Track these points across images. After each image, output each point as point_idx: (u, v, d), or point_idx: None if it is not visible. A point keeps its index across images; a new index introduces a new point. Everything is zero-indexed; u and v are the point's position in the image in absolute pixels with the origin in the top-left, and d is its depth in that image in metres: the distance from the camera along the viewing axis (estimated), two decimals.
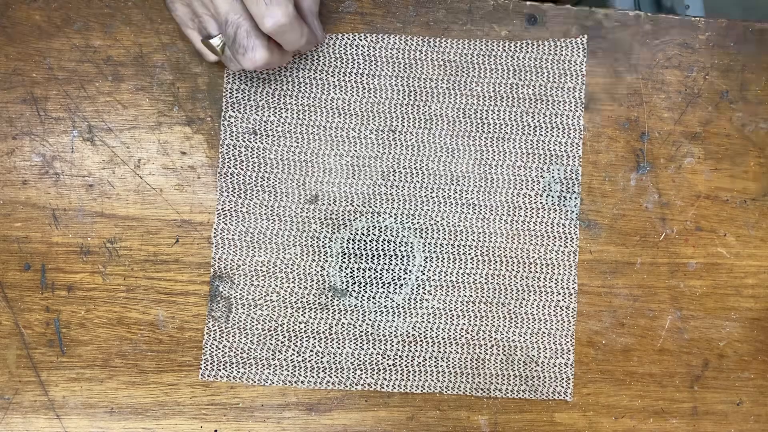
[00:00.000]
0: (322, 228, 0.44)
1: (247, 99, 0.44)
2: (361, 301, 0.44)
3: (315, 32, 0.41)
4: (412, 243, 0.44)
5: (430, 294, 0.44)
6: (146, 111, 0.44)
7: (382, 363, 0.44)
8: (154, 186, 0.44)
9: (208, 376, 0.43)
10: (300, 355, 0.44)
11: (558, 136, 0.45)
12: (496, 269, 0.44)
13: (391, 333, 0.44)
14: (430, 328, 0.44)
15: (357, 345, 0.44)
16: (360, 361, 0.44)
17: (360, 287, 0.44)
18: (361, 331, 0.44)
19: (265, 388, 0.44)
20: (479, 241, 0.44)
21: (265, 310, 0.44)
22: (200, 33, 0.40)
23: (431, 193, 0.44)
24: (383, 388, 0.44)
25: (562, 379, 0.44)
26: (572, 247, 0.45)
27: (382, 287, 0.44)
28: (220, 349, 0.43)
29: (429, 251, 0.44)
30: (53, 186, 0.43)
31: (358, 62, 0.44)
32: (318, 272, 0.44)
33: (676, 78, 0.45)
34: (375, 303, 0.44)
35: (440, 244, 0.44)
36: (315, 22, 0.41)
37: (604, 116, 0.45)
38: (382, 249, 0.44)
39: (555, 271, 0.44)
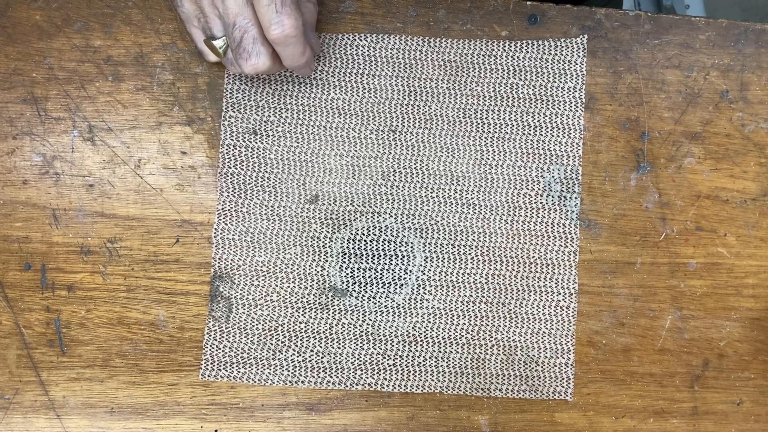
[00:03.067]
0: (322, 228, 0.44)
1: (248, 99, 0.44)
2: (361, 301, 0.44)
3: (311, 45, 0.41)
4: (412, 243, 0.44)
5: (431, 294, 0.44)
6: (146, 111, 0.44)
7: (382, 363, 0.44)
8: (154, 186, 0.44)
9: (209, 376, 0.43)
10: (300, 355, 0.44)
11: (558, 136, 0.45)
12: (497, 269, 0.44)
13: (392, 333, 0.44)
14: (431, 328, 0.44)
15: (357, 345, 0.44)
16: (360, 361, 0.44)
17: (360, 287, 0.44)
18: (362, 331, 0.44)
19: (266, 388, 0.44)
20: (479, 241, 0.44)
21: (265, 310, 0.44)
22: (204, 32, 0.40)
23: (431, 193, 0.44)
24: (383, 388, 0.44)
25: (563, 378, 0.44)
26: (572, 246, 0.45)
27: (382, 287, 0.44)
28: (220, 349, 0.43)
29: (429, 251, 0.44)
30: (53, 186, 0.43)
31: (358, 62, 0.44)
32: (318, 272, 0.44)
33: (676, 78, 0.45)
34: (375, 303, 0.44)
35: (440, 244, 0.44)
36: (310, 33, 0.41)
37: (604, 116, 0.45)
38: (382, 249, 0.44)
39: (555, 270, 0.44)
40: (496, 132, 0.45)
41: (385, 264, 0.44)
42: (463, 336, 0.44)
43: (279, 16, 0.35)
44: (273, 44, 0.37)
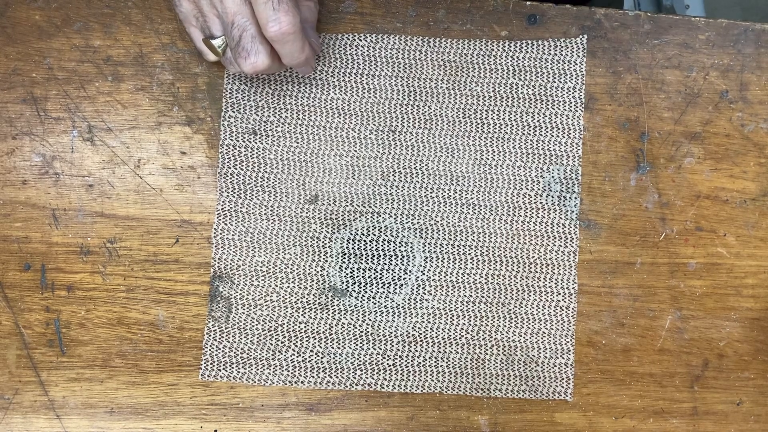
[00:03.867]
0: (322, 228, 0.44)
1: (247, 99, 0.44)
2: (361, 301, 0.44)
3: (312, 44, 0.41)
4: (412, 243, 0.44)
5: (430, 294, 0.44)
6: (146, 111, 0.44)
7: (382, 363, 0.44)
8: (154, 186, 0.44)
9: (208, 376, 0.43)
10: (300, 355, 0.44)
11: (558, 136, 0.45)
12: (496, 269, 0.44)
13: (391, 333, 0.44)
14: (430, 328, 0.44)
15: (357, 345, 0.44)
16: (360, 361, 0.44)
17: (360, 287, 0.44)
18: (361, 331, 0.44)
19: (265, 388, 0.44)
20: (479, 241, 0.44)
21: (265, 310, 0.44)
22: (203, 32, 0.40)
23: (431, 193, 0.44)
24: (383, 388, 0.44)
25: (562, 379, 0.44)
26: (572, 247, 0.45)
27: (382, 287, 0.44)
28: (220, 349, 0.43)
29: (429, 251, 0.44)
30: (53, 186, 0.43)
31: (358, 62, 0.44)
32: (318, 272, 0.44)
33: (676, 78, 0.45)
34: (375, 303, 0.44)
35: (440, 244, 0.44)
36: (310, 32, 0.40)
37: (604, 116, 0.45)
38: (382, 249, 0.44)
39: (555, 271, 0.44)
40: (495, 132, 0.45)
41: (385, 264, 0.44)
42: (462, 336, 0.44)
43: (276, 14, 0.35)
44: (271, 42, 0.36)
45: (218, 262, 0.44)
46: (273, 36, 0.36)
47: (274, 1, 0.35)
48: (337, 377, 0.44)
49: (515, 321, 0.44)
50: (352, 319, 0.44)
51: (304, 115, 0.44)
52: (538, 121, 0.45)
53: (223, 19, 0.37)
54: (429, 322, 0.44)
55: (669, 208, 0.45)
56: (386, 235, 0.44)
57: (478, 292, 0.44)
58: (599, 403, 0.45)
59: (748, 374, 0.45)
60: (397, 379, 0.44)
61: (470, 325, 0.44)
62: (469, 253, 0.44)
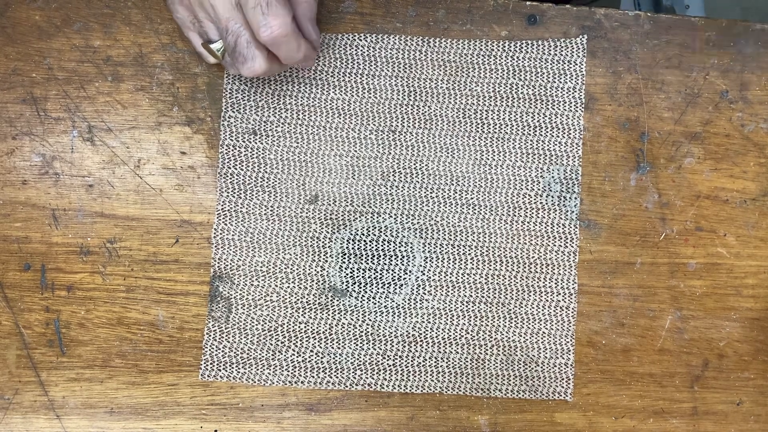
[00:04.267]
0: (322, 228, 0.44)
1: (247, 99, 0.44)
2: (361, 302, 0.44)
3: (311, 39, 0.40)
4: (411, 243, 0.44)
5: (430, 294, 0.44)
6: (146, 111, 0.44)
7: (382, 363, 0.44)
8: (153, 186, 0.44)
9: (208, 376, 0.43)
10: (300, 355, 0.44)
11: (558, 136, 0.45)
12: (496, 269, 0.44)
13: (391, 333, 0.44)
14: (430, 329, 0.44)
15: (357, 345, 0.44)
16: (360, 361, 0.44)
17: (360, 287, 0.44)
18: (361, 332, 0.44)
19: (265, 388, 0.44)
20: (479, 241, 0.44)
21: (265, 310, 0.44)
22: (201, 36, 0.40)
23: (431, 193, 0.44)
24: (383, 388, 0.44)
25: (562, 379, 0.44)
26: (572, 247, 0.45)
27: (382, 287, 0.44)
28: (220, 349, 0.43)
29: (429, 251, 0.44)
30: (53, 186, 0.43)
31: (357, 62, 0.44)
32: (318, 272, 0.44)
33: (676, 78, 0.45)
34: (375, 303, 0.44)
35: (440, 245, 0.44)
36: (310, 27, 0.40)
37: (604, 116, 0.45)
38: (382, 249, 0.44)
39: (555, 271, 0.44)
40: (495, 132, 0.45)
41: (385, 264, 0.44)
42: (462, 336, 0.44)
43: (266, 18, 0.35)
44: (266, 45, 0.36)
45: (218, 262, 0.44)
46: (266, 41, 0.36)
47: (263, 5, 0.34)
48: (337, 377, 0.44)
49: (515, 321, 0.44)
50: (352, 319, 0.44)
51: (304, 115, 0.44)
52: (538, 121, 0.45)
53: (217, 24, 0.37)
54: (429, 322, 0.44)
55: (669, 208, 0.45)
56: (386, 235, 0.44)
57: (478, 292, 0.44)
58: (599, 403, 0.45)
59: (748, 374, 0.45)
60: (397, 379, 0.44)
61: (470, 325, 0.44)
62: (469, 253, 0.44)
